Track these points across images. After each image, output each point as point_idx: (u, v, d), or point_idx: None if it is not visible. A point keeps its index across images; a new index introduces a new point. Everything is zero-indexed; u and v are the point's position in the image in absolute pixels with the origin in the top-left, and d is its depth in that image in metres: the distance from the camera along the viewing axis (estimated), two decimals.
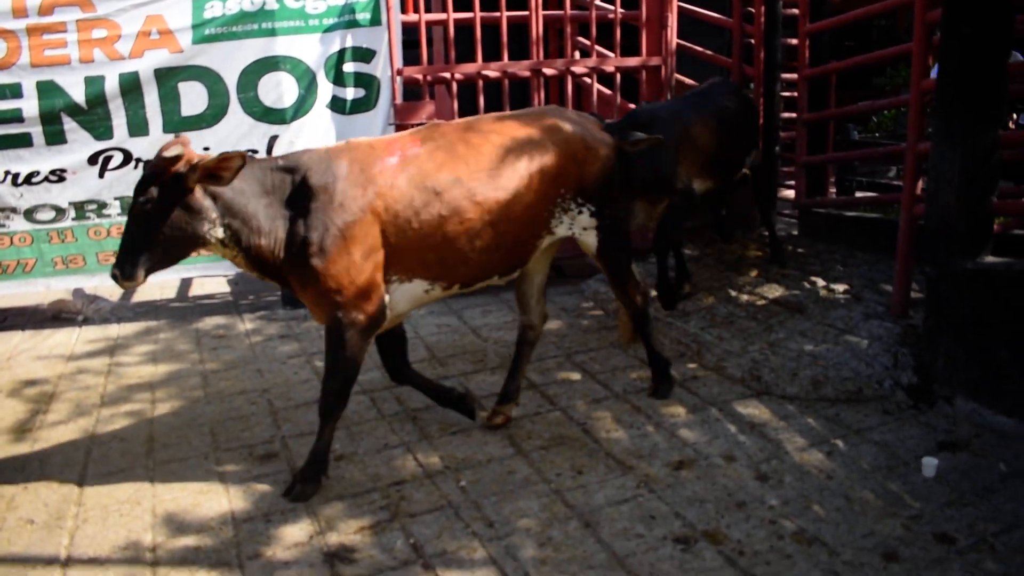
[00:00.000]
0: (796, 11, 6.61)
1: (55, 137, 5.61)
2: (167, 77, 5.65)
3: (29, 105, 5.55)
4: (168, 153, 3.21)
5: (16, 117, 5.55)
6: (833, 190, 7.72)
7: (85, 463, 3.99)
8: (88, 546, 3.32)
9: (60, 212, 5.77)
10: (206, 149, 5.70)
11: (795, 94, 6.93)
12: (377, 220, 3.42)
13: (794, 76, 6.81)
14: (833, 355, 4.53)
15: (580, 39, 7.12)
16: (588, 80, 6.69)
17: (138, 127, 5.68)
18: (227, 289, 6.81)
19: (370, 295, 3.47)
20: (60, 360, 5.34)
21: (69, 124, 5.61)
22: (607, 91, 6.85)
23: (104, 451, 4.10)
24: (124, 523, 3.47)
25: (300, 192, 3.40)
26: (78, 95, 5.57)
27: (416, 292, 3.64)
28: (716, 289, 5.65)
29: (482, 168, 3.60)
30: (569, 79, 6.40)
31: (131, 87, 5.61)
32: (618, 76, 6.46)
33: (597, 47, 6.58)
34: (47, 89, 5.55)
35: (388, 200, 3.43)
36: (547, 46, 7.36)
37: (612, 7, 6.42)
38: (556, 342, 5.16)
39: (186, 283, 6.84)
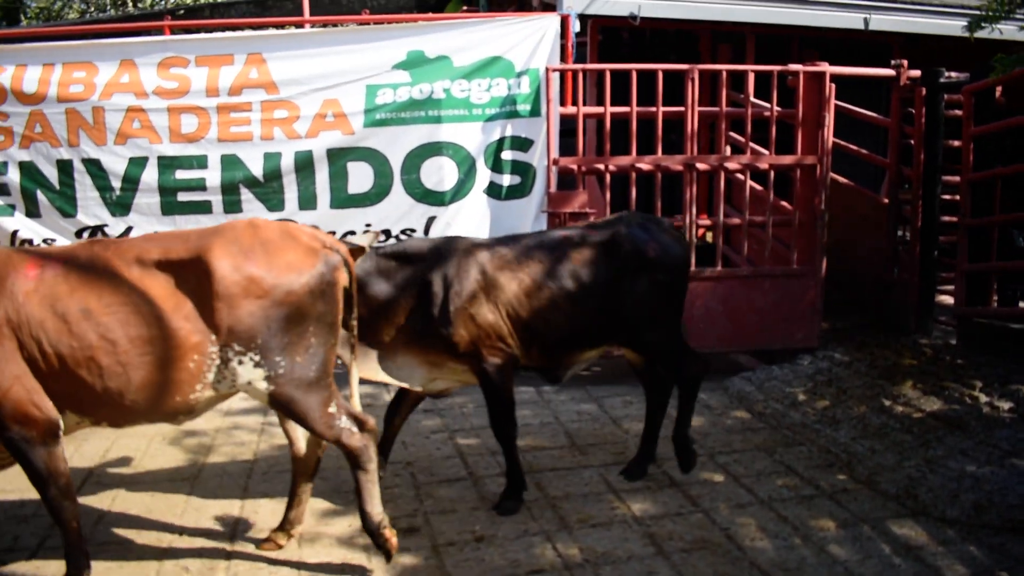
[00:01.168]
0: (959, 112, 6.45)
1: (232, 206, 6.04)
2: (338, 156, 6.02)
3: (212, 176, 6.02)
4: None
5: (200, 186, 6.02)
6: (996, 299, 7.35)
7: (237, 519, 4.17)
8: None
9: None
10: (368, 226, 6.02)
11: (956, 198, 6.71)
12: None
13: (955, 178, 6.61)
14: (998, 478, 4.26)
15: (732, 134, 7.15)
16: (741, 176, 6.70)
17: (307, 201, 6.05)
18: None
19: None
20: (218, 414, 5.63)
21: (246, 195, 6.04)
22: (759, 188, 6.82)
23: (255, 507, 4.28)
24: None
25: None
26: (257, 169, 6.00)
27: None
28: (868, 398, 5.44)
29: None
30: (722, 174, 6.42)
31: (305, 164, 6.00)
32: (772, 173, 6.43)
33: (751, 144, 6.59)
34: (230, 162, 6.01)
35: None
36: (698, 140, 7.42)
37: (768, 105, 6.44)
38: (699, 440, 5.07)
39: None
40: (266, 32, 6.83)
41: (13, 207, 6.21)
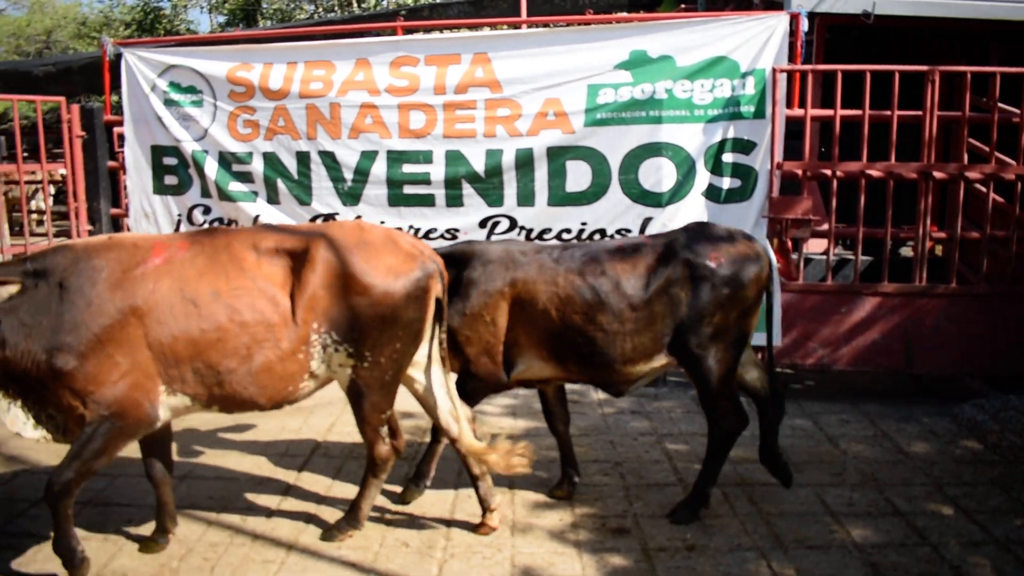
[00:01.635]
0: None
1: (454, 200, 6.26)
2: (557, 155, 6.10)
3: (437, 170, 6.27)
4: None
5: (425, 180, 6.28)
6: None
7: (454, 501, 4.33)
8: None
9: None
10: (584, 224, 6.06)
11: None
12: None
13: None
14: None
15: (972, 141, 6.63)
16: (982, 187, 6.20)
17: (526, 198, 6.17)
18: None
19: None
20: None
21: (467, 190, 6.24)
22: (1001, 200, 6.29)
23: (470, 492, 4.40)
24: (486, 567, 3.71)
25: None
26: (479, 165, 6.18)
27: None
28: None
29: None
30: (961, 184, 5.97)
31: (525, 162, 6.12)
32: (1020, 185, 5.91)
33: (997, 153, 6.08)
34: (454, 158, 6.23)
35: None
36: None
37: (1017, 110, 5.92)
38: (924, 469, 4.75)
39: None
40: (491, 33, 7.02)
41: (256, 194, 6.74)
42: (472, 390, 4.24)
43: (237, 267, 3.54)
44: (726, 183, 6.03)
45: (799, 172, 5.96)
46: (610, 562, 3.73)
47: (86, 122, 7.97)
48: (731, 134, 6.01)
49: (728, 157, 6.02)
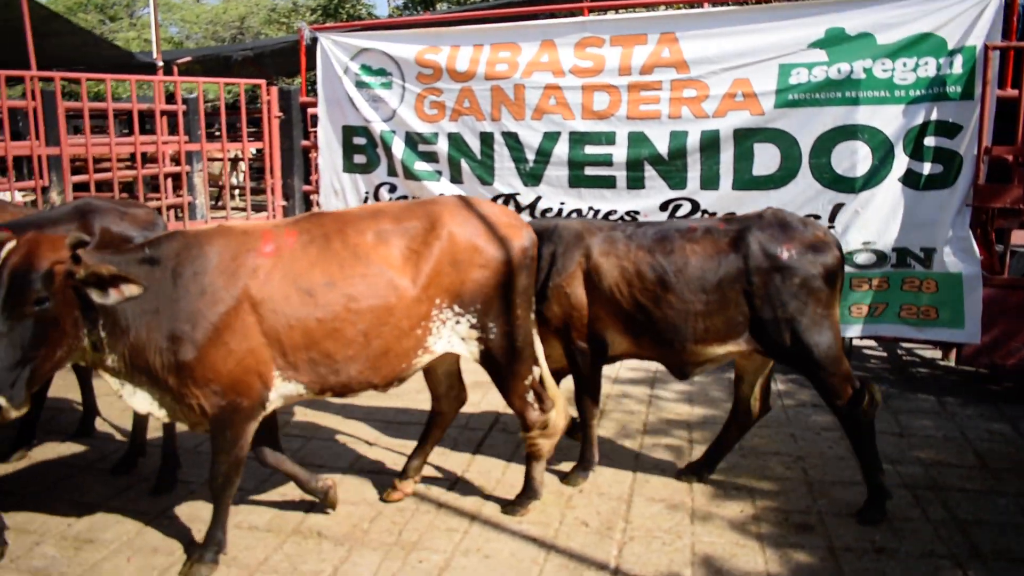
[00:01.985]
0: None
1: (636, 182, 6.22)
2: (744, 137, 5.92)
3: (619, 152, 6.24)
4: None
5: (607, 161, 6.27)
6: None
7: (632, 484, 4.33)
8: (634, 564, 3.59)
9: None
10: None
11: None
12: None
13: None
14: None
15: None
16: None
17: (709, 181, 6.04)
18: None
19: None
20: (607, 381, 5.86)
21: (649, 172, 6.17)
22: None
23: (647, 477, 4.41)
24: (666, 552, 3.68)
25: None
26: (662, 147, 6.10)
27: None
28: None
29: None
30: None
31: (710, 144, 5.99)
32: None
33: None
34: (637, 139, 6.18)
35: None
36: None
37: None
38: None
39: None
40: (679, 12, 6.87)
41: (440, 173, 6.95)
42: (582, 359, 4.30)
43: (351, 253, 3.51)
44: (926, 168, 5.67)
45: (1010, 158, 5.53)
46: (794, 558, 3.62)
47: (283, 103, 8.47)
48: (934, 116, 5.63)
49: (930, 141, 5.65)
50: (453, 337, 3.74)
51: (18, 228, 3.89)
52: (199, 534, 3.75)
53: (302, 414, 5.37)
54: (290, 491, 4.24)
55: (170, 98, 9.18)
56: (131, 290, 3.08)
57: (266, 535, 3.83)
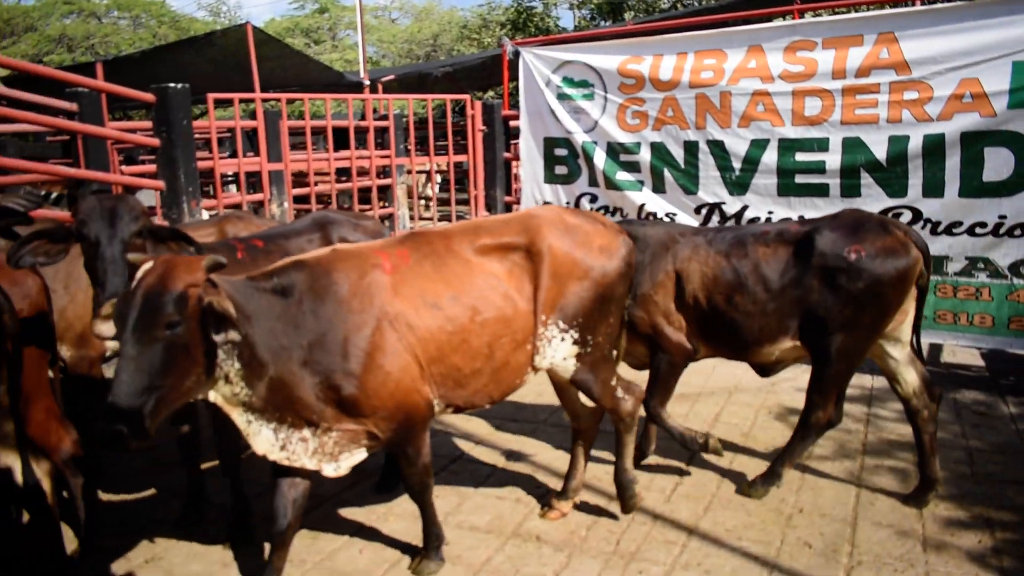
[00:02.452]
0: None
1: (851, 190, 5.96)
2: (973, 141, 5.54)
3: (832, 159, 6.00)
4: None
5: (819, 168, 6.05)
6: None
7: (855, 506, 4.15)
8: None
9: None
10: (1002, 218, 5.46)
11: None
12: None
13: None
14: None
15: None
16: None
17: (933, 188, 5.69)
18: (981, 363, 6.44)
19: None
20: None
21: (866, 179, 5.90)
22: None
23: (872, 499, 4.21)
24: None
25: None
26: (880, 153, 5.82)
27: None
28: None
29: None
30: None
31: (933, 148, 5.65)
32: None
33: None
34: (852, 145, 5.92)
35: None
36: None
37: None
38: None
39: (936, 349, 6.64)
40: (898, 10, 6.53)
41: (642, 183, 6.95)
42: (667, 366, 4.37)
43: (464, 267, 3.49)
44: None
45: None
46: None
47: (487, 117, 8.74)
48: None
49: None
50: (556, 355, 3.69)
51: (267, 239, 4.24)
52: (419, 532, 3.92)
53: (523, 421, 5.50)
54: (507, 493, 4.36)
55: (375, 114, 9.71)
56: (232, 336, 2.83)
57: (487, 536, 3.95)
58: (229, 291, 2.98)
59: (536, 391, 5.90)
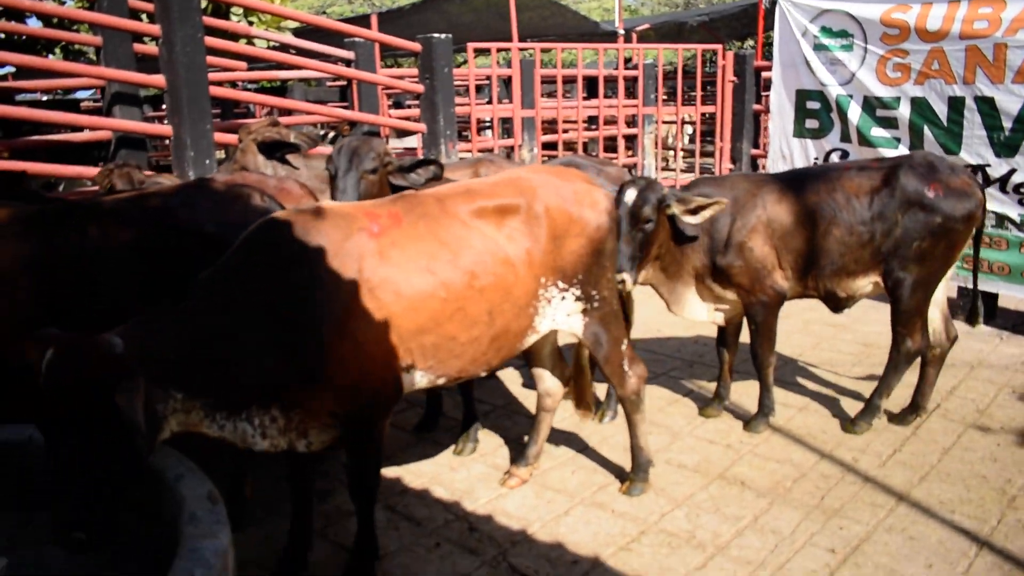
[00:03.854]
0: None
1: None
2: None
3: None
4: None
5: None
6: None
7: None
8: None
9: None
10: None
11: None
12: None
13: None
14: None
15: None
16: None
17: None
18: None
19: None
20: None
21: None
22: None
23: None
24: None
25: None
26: None
27: None
28: None
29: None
30: None
31: None
32: None
33: None
34: None
35: None
36: None
37: None
38: None
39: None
40: None
41: (898, 140, 6.61)
42: (763, 310, 4.44)
43: (462, 229, 3.25)
44: None
45: None
46: None
47: (738, 68, 8.62)
48: None
49: None
50: (558, 314, 3.60)
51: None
52: (626, 461, 4.13)
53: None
54: (718, 438, 4.49)
55: (627, 63, 9.82)
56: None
57: (693, 475, 4.12)
58: (148, 348, 2.63)
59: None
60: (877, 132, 6.70)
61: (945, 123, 6.25)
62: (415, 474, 4.23)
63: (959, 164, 4.54)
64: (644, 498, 3.90)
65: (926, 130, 6.36)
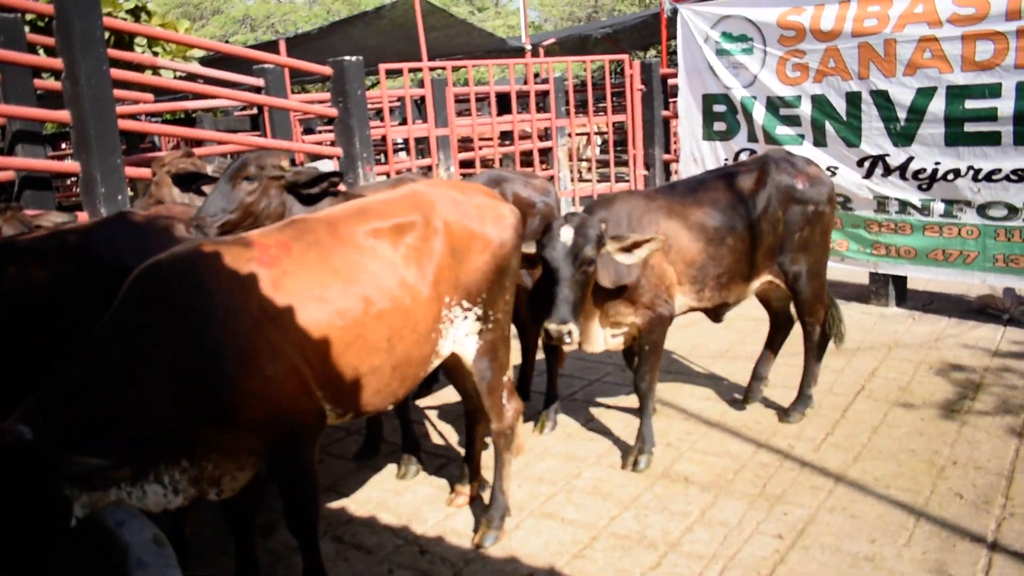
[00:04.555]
0: None
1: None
2: None
3: (1005, 105, 5.72)
4: None
5: (990, 116, 5.79)
6: None
7: (1014, 460, 4.07)
8: (1014, 540, 3.41)
9: (1013, 211, 5.84)
10: None
11: None
12: None
13: None
14: None
15: None
16: None
17: None
18: None
19: None
20: (985, 353, 5.49)
21: None
22: None
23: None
24: None
25: None
26: None
27: None
28: None
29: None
30: None
31: None
32: None
33: None
34: None
35: None
36: None
37: None
38: None
39: None
40: None
41: (802, 137, 6.86)
42: (659, 335, 4.28)
43: (355, 254, 3.07)
44: None
45: None
46: None
47: (645, 76, 8.81)
48: None
49: None
50: (459, 335, 3.42)
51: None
52: (571, 469, 4.17)
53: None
54: (658, 437, 4.56)
55: (536, 77, 9.95)
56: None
57: (637, 476, 4.18)
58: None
59: (689, 344, 6.05)
60: (782, 130, 6.94)
61: (844, 117, 6.52)
62: (360, 502, 4.17)
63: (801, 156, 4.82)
64: (592, 503, 3.94)
65: (827, 125, 6.62)
